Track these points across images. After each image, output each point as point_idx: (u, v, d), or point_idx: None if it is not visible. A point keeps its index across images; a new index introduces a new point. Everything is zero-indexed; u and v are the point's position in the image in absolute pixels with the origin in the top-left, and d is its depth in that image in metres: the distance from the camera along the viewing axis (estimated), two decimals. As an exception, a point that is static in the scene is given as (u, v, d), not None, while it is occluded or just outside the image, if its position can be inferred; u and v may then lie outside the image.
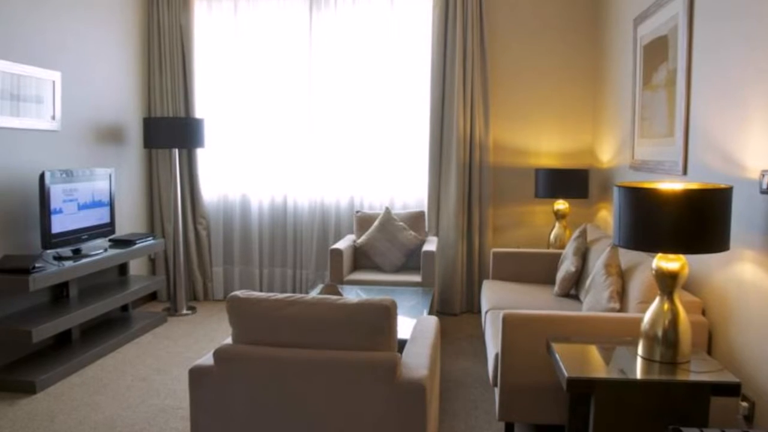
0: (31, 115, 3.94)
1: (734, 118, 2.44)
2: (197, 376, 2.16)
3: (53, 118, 4.14)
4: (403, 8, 5.17)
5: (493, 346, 2.95)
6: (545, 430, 2.96)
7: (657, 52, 3.41)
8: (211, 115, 5.41)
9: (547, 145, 5.18)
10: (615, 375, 2.10)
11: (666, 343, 2.18)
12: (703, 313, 2.67)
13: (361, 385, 2.05)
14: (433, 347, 2.40)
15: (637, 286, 2.77)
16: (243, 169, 5.45)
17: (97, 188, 4.31)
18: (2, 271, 3.44)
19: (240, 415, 2.14)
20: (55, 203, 3.83)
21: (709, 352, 2.61)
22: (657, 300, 2.23)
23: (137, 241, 4.58)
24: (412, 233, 4.76)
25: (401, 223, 4.78)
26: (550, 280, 4.25)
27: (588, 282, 3.22)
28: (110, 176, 4.46)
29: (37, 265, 3.58)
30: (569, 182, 4.67)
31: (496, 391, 2.86)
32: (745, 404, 2.30)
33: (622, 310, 2.90)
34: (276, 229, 5.47)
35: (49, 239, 3.78)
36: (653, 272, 2.21)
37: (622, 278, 2.99)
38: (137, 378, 3.64)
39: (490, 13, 5.11)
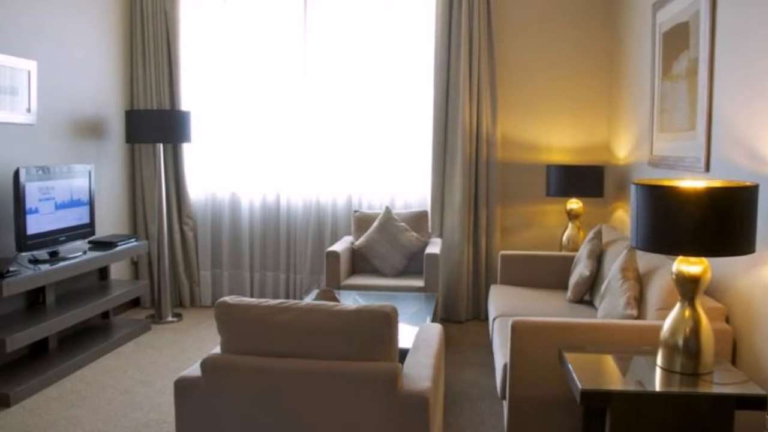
0: (5, 107, 3.94)
1: (760, 110, 2.44)
2: (183, 388, 2.16)
3: (28, 110, 4.14)
4: (405, -7, 5.18)
5: (501, 355, 2.95)
6: (557, 446, 2.96)
7: (677, 39, 3.41)
8: (199, 108, 5.40)
9: (559, 139, 5.18)
10: (632, 387, 2.10)
11: (687, 353, 2.18)
12: (727, 320, 2.68)
13: (359, 398, 2.05)
14: (437, 357, 2.40)
15: (656, 291, 2.77)
16: (233, 166, 5.45)
17: (76, 186, 4.31)
18: (-26, 276, 3.44)
19: (229, 430, 2.14)
20: (30, 202, 3.83)
21: (734, 362, 2.61)
22: (677, 306, 2.23)
23: (119, 243, 4.58)
24: (414, 234, 4.76)
25: (402, 224, 4.78)
26: (562, 285, 4.26)
27: (603, 287, 3.22)
28: (90, 173, 4.46)
29: (11, 268, 3.58)
30: (583, 180, 4.67)
31: (505, 404, 2.86)
32: (772, 418, 2.30)
33: (639, 317, 2.90)
34: (268, 230, 5.47)
35: (24, 241, 3.78)
36: (673, 276, 2.21)
37: (639, 283, 2.99)
38: (119, 390, 3.64)
39: (498, -3, 5.12)
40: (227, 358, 2.14)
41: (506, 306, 3.68)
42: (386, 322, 2.08)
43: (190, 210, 5.40)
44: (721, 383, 2.12)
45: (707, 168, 2.96)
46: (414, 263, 4.78)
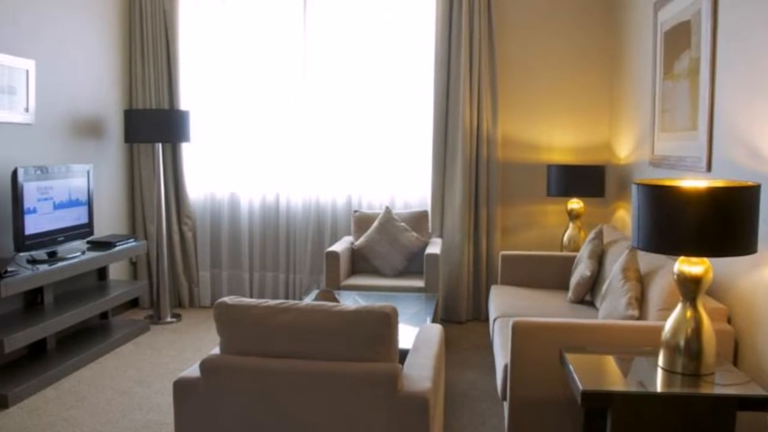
0: (3, 107, 3.94)
1: (762, 110, 2.44)
2: (182, 389, 2.16)
3: (27, 110, 4.14)
4: (405, -8, 5.17)
5: (501, 356, 2.95)
6: (558, 447, 2.96)
7: (679, 39, 3.41)
8: (198, 107, 5.40)
9: (560, 139, 5.18)
10: (633, 388, 2.10)
11: (688, 354, 2.17)
12: (729, 320, 2.67)
13: (359, 399, 2.05)
14: (437, 358, 2.40)
15: (657, 291, 2.77)
16: (232, 166, 5.45)
17: (75, 186, 4.31)
18: (-28, 276, 3.44)
19: (228, 431, 2.14)
20: (28, 202, 3.83)
21: (735, 363, 2.61)
22: (679, 307, 2.23)
23: (117, 243, 4.57)
24: (414, 234, 4.76)
25: (402, 224, 4.78)
26: (563, 286, 4.26)
27: (604, 287, 3.22)
28: (88, 173, 4.46)
29: (9, 269, 3.58)
30: (584, 179, 4.67)
31: (505, 405, 2.86)
32: (774, 419, 2.30)
33: (641, 317, 2.90)
34: (267, 231, 5.47)
35: (23, 241, 3.78)
36: (675, 277, 2.21)
37: (641, 283, 2.99)
38: (117, 391, 3.64)
39: (498, -4, 5.12)
40: (226, 359, 2.14)
41: (507, 306, 3.68)
42: (386, 322, 2.08)
43: (189, 210, 5.40)
44: (723, 384, 2.12)
45: (709, 168, 2.96)
46: (414, 263, 4.78)
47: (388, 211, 4.81)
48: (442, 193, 5.14)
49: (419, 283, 4.44)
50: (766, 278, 2.40)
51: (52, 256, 4.06)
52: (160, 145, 5.02)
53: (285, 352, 2.12)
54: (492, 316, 3.73)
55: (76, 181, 4.32)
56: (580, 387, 2.10)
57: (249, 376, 2.09)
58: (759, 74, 2.47)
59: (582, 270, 3.74)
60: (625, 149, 4.67)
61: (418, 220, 4.86)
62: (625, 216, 4.58)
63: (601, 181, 4.70)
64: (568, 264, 4.26)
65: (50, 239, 4.03)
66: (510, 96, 5.20)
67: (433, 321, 3.69)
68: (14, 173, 3.72)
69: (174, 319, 5.07)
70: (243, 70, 5.37)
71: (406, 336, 3.15)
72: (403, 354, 2.83)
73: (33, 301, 4.08)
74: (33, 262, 3.89)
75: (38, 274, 3.68)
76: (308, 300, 3.49)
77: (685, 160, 3.25)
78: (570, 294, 3.81)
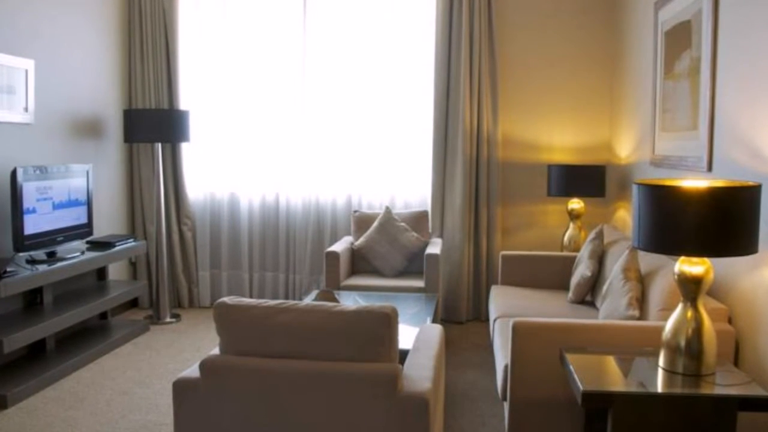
0: (2, 106, 3.94)
1: (763, 109, 2.44)
2: (182, 389, 2.16)
3: (26, 110, 4.14)
4: (405, -9, 5.17)
5: (502, 356, 2.95)
6: (558, 447, 2.96)
7: (679, 38, 3.41)
8: (197, 107, 5.40)
9: (560, 139, 5.18)
10: (634, 388, 2.10)
11: (689, 354, 2.18)
12: (730, 321, 2.68)
13: (359, 399, 2.05)
14: (437, 358, 2.40)
15: (658, 292, 2.77)
16: (231, 166, 5.45)
17: (74, 186, 4.31)
18: (-29, 276, 3.44)
19: (228, 431, 2.14)
20: (27, 202, 3.83)
21: (736, 363, 2.61)
22: (679, 307, 2.23)
23: (117, 244, 4.58)
24: (415, 235, 4.76)
25: (402, 224, 4.78)
26: (563, 286, 4.26)
27: (605, 287, 3.22)
28: (88, 173, 4.46)
29: (8, 269, 3.58)
30: (584, 179, 4.67)
31: (506, 405, 2.86)
32: (774, 420, 2.30)
33: (641, 317, 2.90)
34: (267, 231, 5.47)
35: (22, 241, 3.78)
36: (675, 277, 2.21)
37: (641, 283, 2.99)
38: (117, 391, 3.64)
39: (498, -4, 5.12)
40: (226, 359, 2.14)
41: (507, 307, 3.68)
42: (386, 322, 2.08)
43: (188, 210, 5.40)
44: (724, 384, 2.12)
45: (709, 168, 2.96)
46: (414, 263, 4.78)
47: (388, 211, 4.81)
48: (442, 193, 5.14)
49: (419, 283, 4.44)
50: (766, 278, 2.40)
51: (52, 256, 4.06)
52: (160, 145, 5.02)
53: (285, 353, 2.12)
54: (492, 316, 3.74)
55: (75, 181, 4.32)
56: (581, 387, 2.10)
57: (249, 376, 2.09)
58: (760, 74, 2.47)
59: (582, 270, 3.75)
60: (625, 149, 4.67)
61: (418, 220, 4.86)
62: (626, 216, 4.58)
63: (602, 181, 4.70)
64: (568, 264, 4.26)
65: (49, 239, 4.03)
66: (510, 96, 5.20)
67: (433, 321, 3.69)
68: (13, 173, 3.72)
69: (173, 320, 5.07)
70: (243, 70, 5.37)
71: (407, 336, 3.15)
72: (403, 354, 2.83)
73: (32, 301, 4.08)
74: (32, 262, 3.89)
75: (37, 275, 3.68)
76: (308, 300, 3.49)
77: (686, 160, 3.25)
78: (570, 294, 3.81)
